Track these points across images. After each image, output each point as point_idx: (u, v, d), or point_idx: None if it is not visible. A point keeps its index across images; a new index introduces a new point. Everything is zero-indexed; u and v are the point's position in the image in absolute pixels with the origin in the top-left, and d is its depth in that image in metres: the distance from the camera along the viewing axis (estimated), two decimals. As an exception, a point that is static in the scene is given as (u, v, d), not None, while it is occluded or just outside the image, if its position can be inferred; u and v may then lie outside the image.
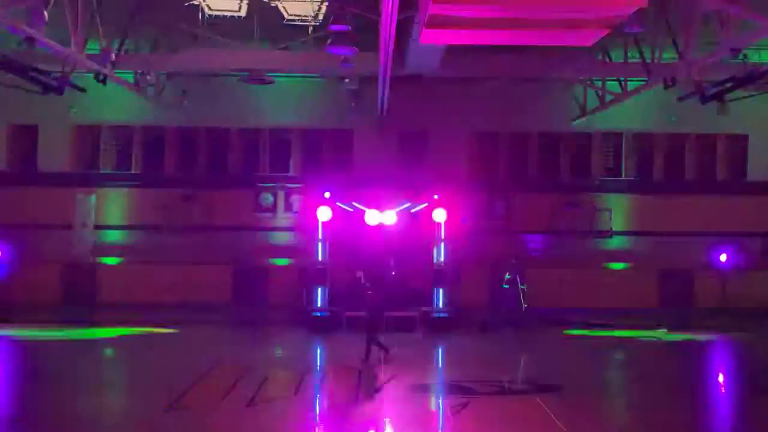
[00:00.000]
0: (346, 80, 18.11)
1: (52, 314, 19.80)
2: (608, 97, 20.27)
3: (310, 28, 17.36)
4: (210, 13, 17.07)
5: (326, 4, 16.05)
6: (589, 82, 21.13)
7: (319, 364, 16.55)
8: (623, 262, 22.64)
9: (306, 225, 20.91)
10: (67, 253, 21.61)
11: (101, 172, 22.83)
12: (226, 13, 17.03)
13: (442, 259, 19.58)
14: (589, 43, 9.75)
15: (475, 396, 12.47)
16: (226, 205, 22.37)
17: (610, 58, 18.87)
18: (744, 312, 20.20)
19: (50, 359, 15.68)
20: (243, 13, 16.99)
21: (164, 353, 16.15)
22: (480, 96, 21.59)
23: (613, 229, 22.51)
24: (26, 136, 22.73)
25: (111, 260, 22.21)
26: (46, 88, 14.25)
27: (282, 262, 22.24)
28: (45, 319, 19.37)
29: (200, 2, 16.39)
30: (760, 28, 12.73)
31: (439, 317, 18.84)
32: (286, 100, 22.46)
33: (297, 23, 17.08)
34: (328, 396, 13.38)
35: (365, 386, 13.80)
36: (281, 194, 22.61)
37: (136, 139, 23.05)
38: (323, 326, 18.39)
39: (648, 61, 16.18)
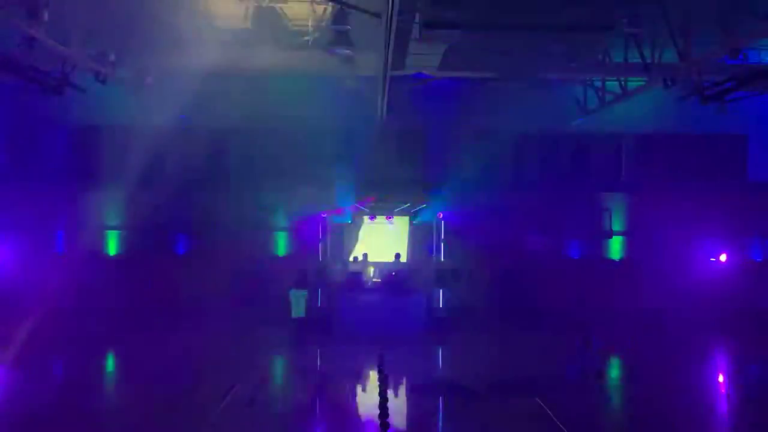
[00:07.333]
0: (346, 80, 18.11)
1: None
2: (608, 97, 20.26)
3: (311, 29, 17.32)
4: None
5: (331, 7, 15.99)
6: (589, 82, 21.13)
7: (318, 363, 16.54)
8: (622, 261, 22.63)
9: (305, 225, 20.93)
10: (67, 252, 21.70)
11: (101, 172, 22.80)
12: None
13: (442, 258, 19.60)
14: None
15: (475, 395, 12.47)
16: (226, 205, 22.36)
17: (610, 58, 18.85)
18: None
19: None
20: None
21: (163, 353, 16.14)
22: (480, 96, 21.57)
23: (613, 229, 22.51)
24: (26, 136, 22.75)
25: (110, 260, 22.19)
26: (46, 88, 14.22)
27: (281, 262, 22.23)
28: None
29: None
30: (760, 29, 12.75)
31: (439, 317, 18.85)
32: (286, 100, 22.43)
33: (302, 28, 17.08)
34: (328, 396, 13.37)
35: (364, 386, 13.82)
36: (281, 194, 22.61)
37: (136, 139, 22.99)
38: (323, 326, 18.40)
39: (648, 61, 16.18)
